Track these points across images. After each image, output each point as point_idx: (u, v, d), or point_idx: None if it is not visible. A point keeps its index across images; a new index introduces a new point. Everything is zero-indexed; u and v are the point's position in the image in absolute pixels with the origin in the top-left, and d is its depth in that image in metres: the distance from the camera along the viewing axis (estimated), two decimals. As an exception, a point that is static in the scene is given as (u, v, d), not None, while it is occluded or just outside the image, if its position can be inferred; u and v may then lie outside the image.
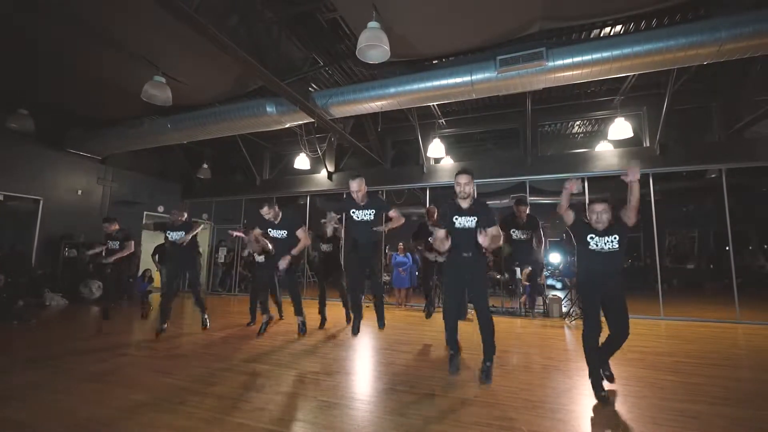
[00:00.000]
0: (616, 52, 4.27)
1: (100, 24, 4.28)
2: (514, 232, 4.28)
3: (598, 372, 2.67)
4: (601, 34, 5.11)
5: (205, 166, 9.63)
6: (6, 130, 6.22)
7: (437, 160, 8.06)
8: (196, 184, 10.08)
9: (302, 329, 4.38)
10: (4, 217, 6.74)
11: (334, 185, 8.77)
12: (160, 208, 9.57)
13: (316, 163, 8.71)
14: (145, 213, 9.17)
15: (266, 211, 4.09)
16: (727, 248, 6.38)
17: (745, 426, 2.22)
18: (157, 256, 7.02)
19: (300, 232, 4.13)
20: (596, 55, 4.34)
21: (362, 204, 3.57)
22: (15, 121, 6.02)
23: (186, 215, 4.83)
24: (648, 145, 6.83)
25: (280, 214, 4.17)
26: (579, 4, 4.01)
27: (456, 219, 2.96)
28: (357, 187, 3.56)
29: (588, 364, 2.69)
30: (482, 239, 2.74)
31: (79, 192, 7.80)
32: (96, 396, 2.67)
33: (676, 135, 7.35)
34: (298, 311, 4.37)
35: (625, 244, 2.68)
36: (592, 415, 2.43)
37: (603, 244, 2.67)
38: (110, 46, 4.66)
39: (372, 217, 3.53)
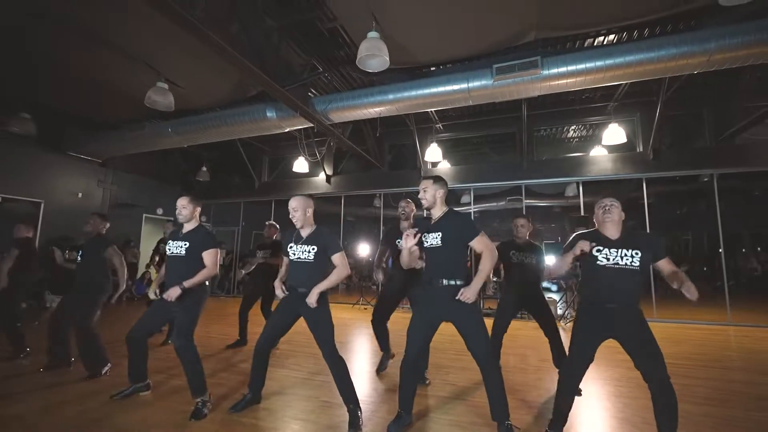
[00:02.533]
0: (608, 62, 4.38)
1: (105, 30, 4.34)
2: (513, 254, 3.29)
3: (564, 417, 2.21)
4: (595, 43, 5.24)
5: (204, 168, 9.69)
6: (7, 133, 6.26)
7: (434, 164, 8.16)
8: (195, 186, 10.13)
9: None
10: (5, 220, 6.76)
11: (333, 188, 8.86)
12: (159, 211, 9.61)
13: (315, 166, 8.80)
14: (144, 215, 9.21)
15: (182, 205, 2.76)
16: (720, 251, 6.53)
17: (732, 425, 2.32)
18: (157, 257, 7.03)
19: (208, 257, 2.71)
20: (589, 65, 4.45)
21: (303, 237, 2.56)
22: (17, 124, 6.07)
23: (105, 225, 3.59)
24: (641, 150, 6.97)
25: (192, 224, 2.81)
26: (573, 14, 4.12)
27: (425, 237, 2.34)
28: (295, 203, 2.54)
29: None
30: (471, 295, 2.13)
31: (80, 195, 7.83)
32: (95, 396, 2.73)
33: (669, 140, 7.50)
34: (197, 389, 2.57)
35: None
36: (585, 415, 2.52)
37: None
38: (113, 52, 4.72)
39: (312, 257, 2.49)
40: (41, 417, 2.40)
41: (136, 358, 2.71)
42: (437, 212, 2.39)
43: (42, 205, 7.17)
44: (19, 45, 4.64)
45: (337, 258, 2.49)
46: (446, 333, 2.23)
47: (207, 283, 2.79)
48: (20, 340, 3.74)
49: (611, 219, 2.18)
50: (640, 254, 2.10)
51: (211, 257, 2.70)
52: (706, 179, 7.31)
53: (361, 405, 2.39)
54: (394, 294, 3.30)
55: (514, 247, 3.30)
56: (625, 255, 2.12)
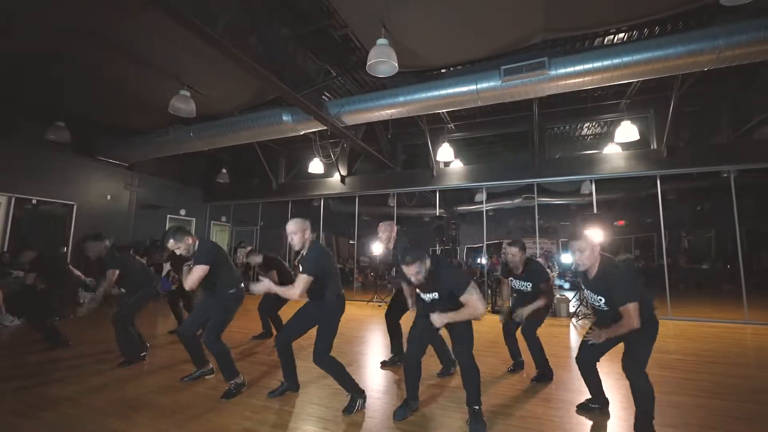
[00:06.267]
0: (616, 61, 4.42)
1: (131, 44, 4.65)
2: (512, 280, 3.23)
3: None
4: (605, 42, 5.26)
5: (224, 171, 10.07)
6: (44, 141, 6.72)
7: (446, 164, 8.27)
8: (215, 188, 10.53)
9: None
10: (44, 221, 7.27)
11: (347, 188, 9.08)
12: (182, 212, 10.05)
13: (330, 167, 9.03)
14: (168, 216, 9.65)
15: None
16: (738, 248, 6.43)
17: (722, 415, 2.40)
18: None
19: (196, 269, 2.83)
20: (597, 64, 4.49)
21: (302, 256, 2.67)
22: (53, 132, 6.52)
23: (104, 245, 3.70)
24: (655, 147, 6.91)
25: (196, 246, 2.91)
26: (577, 16, 4.18)
27: (420, 293, 2.50)
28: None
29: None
30: (437, 319, 2.27)
31: (109, 197, 8.30)
32: (138, 382, 3.01)
33: (686, 137, 7.40)
34: (229, 375, 2.88)
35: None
36: (582, 404, 2.64)
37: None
38: (138, 64, 5.05)
39: None
40: (88, 398, 2.69)
41: (193, 349, 3.09)
42: (423, 276, 2.33)
43: (74, 207, 7.65)
44: (55, 59, 5.01)
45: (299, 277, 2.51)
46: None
47: (242, 285, 3.05)
48: (55, 334, 4.07)
49: (584, 266, 2.24)
50: (603, 300, 2.20)
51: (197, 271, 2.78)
52: (725, 175, 7.19)
53: (371, 393, 2.57)
54: (396, 312, 3.43)
55: (512, 274, 3.22)
56: (594, 298, 2.26)
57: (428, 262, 2.30)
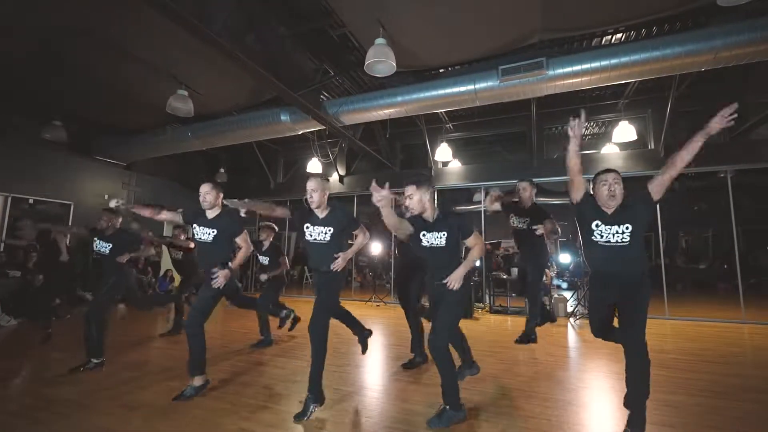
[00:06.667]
0: (614, 61, 4.42)
1: (130, 43, 4.65)
2: (512, 218, 3.31)
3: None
4: (603, 42, 5.27)
5: (222, 170, 10.05)
6: (41, 140, 6.69)
7: (445, 164, 8.27)
8: (213, 187, 10.48)
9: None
10: (41, 221, 7.21)
11: (346, 188, 9.09)
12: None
13: (328, 167, 9.03)
14: (166, 216, 9.61)
15: (205, 191, 2.98)
16: (741, 248, 6.46)
17: (719, 414, 2.41)
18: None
19: (240, 240, 3.05)
20: (595, 64, 4.50)
21: (320, 217, 2.68)
22: (49, 131, 6.49)
23: (118, 219, 3.83)
24: (653, 147, 6.93)
25: (216, 210, 3.02)
26: (574, 17, 4.19)
27: (423, 236, 2.40)
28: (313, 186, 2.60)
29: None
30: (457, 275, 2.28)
31: (106, 197, 8.24)
32: (135, 382, 3.00)
33: (683, 137, 7.40)
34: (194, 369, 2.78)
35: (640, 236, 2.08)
36: (578, 403, 2.64)
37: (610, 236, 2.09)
38: (136, 63, 5.04)
39: (328, 238, 2.63)
40: (86, 398, 2.68)
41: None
42: (432, 213, 2.43)
43: (72, 207, 7.63)
44: (52, 58, 4.99)
45: (358, 231, 2.77)
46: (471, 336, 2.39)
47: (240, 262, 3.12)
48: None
49: (616, 201, 2.09)
50: (631, 228, 2.03)
51: (242, 239, 3.03)
52: (722, 175, 7.22)
53: (369, 392, 2.55)
54: (404, 282, 3.48)
55: (514, 211, 3.21)
56: (617, 232, 2.05)
57: (431, 193, 2.42)
